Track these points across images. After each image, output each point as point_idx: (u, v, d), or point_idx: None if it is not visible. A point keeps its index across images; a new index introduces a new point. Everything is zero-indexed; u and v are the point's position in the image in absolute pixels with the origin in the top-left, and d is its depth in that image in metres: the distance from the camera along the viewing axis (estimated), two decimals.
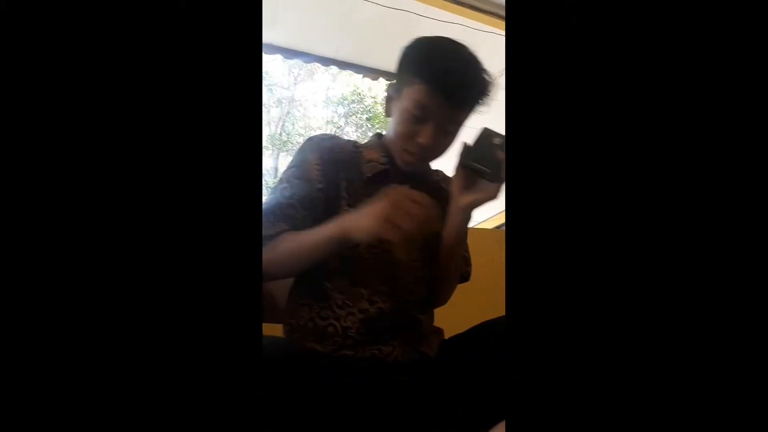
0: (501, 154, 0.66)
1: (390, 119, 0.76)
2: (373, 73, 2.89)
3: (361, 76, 2.99)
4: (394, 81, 0.76)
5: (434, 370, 0.70)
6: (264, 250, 0.65)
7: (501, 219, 4.83)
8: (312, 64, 3.14)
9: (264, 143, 8.70)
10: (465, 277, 0.85)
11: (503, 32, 2.41)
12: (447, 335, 0.78)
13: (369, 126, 8.13)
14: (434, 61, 0.69)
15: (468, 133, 0.74)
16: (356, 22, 2.41)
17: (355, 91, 8.28)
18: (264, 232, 0.67)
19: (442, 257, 0.76)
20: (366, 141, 0.82)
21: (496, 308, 0.61)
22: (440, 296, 0.82)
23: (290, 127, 8.72)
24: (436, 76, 0.67)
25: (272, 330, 0.80)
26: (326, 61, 2.89)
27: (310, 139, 0.77)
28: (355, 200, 0.71)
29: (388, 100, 0.76)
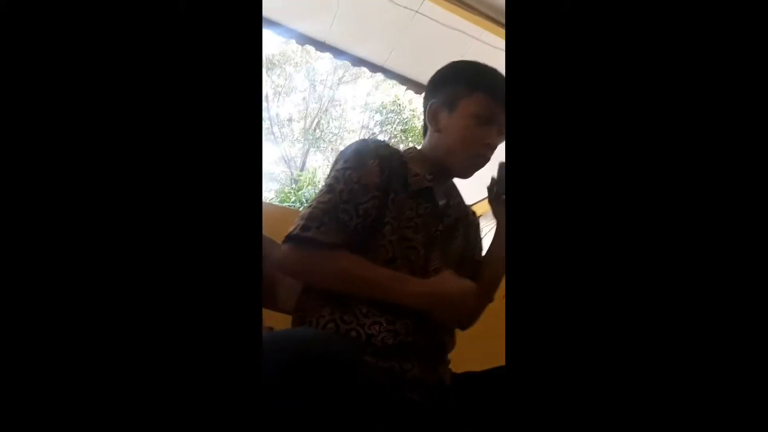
0: None
1: (435, 134, 0.80)
2: (418, 87, 2.91)
3: (404, 88, 3.01)
4: (436, 99, 0.80)
5: (447, 397, 0.69)
6: (313, 254, 0.66)
7: None
8: (359, 68, 3.17)
9: (296, 136, 8.84)
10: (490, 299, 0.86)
11: None
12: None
13: (402, 138, 8.18)
14: (487, 75, 0.79)
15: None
16: (411, 35, 2.44)
17: (395, 101, 8.35)
18: (319, 236, 0.66)
19: (490, 280, 0.80)
20: (406, 150, 0.83)
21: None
22: (474, 318, 0.82)
23: (325, 125, 8.84)
24: (492, 86, 0.77)
25: (269, 317, 0.79)
26: (374, 68, 2.93)
27: (365, 141, 0.77)
28: (399, 213, 0.72)
29: (434, 115, 0.80)
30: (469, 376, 0.74)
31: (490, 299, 0.83)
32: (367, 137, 8.38)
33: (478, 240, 0.85)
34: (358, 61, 2.87)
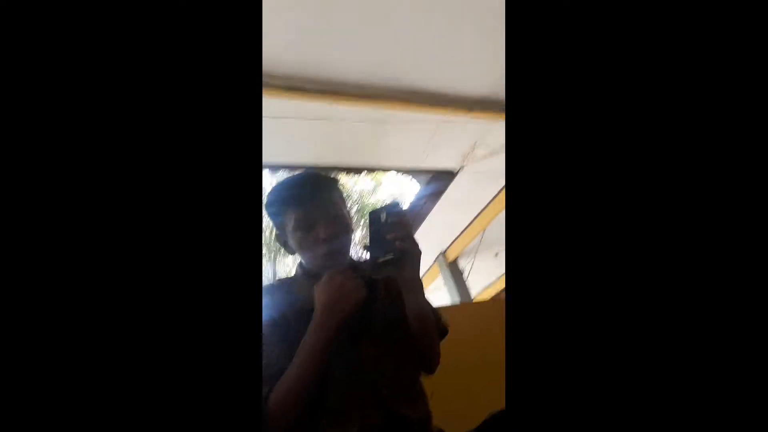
0: (392, 232, 0.74)
1: (297, 254, 0.87)
2: (355, 170, 3.14)
3: (344, 173, 3.23)
4: (275, 238, 0.89)
5: None
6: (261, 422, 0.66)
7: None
8: (298, 171, 3.39)
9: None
10: (444, 332, 0.89)
11: (466, 119, 2.69)
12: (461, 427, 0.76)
13: (359, 217, 8.33)
14: (282, 198, 0.85)
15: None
16: (333, 131, 2.69)
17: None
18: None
19: (417, 327, 0.80)
20: (293, 275, 0.90)
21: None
22: (430, 362, 0.85)
23: None
24: (290, 198, 0.84)
25: None
26: (309, 168, 3.14)
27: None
28: None
29: (286, 246, 0.88)
30: None
31: (433, 332, 0.83)
32: None
33: (400, 300, 0.83)
34: (292, 168, 3.08)
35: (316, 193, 0.84)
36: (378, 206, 0.81)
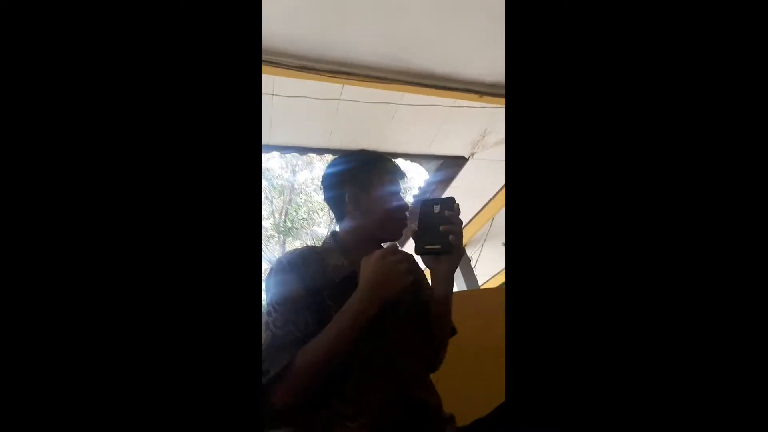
0: (445, 224, 0.75)
1: (357, 217, 0.86)
2: None
3: None
4: (351, 188, 0.87)
5: None
6: (281, 386, 0.66)
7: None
8: (307, 155, 3.40)
9: (270, 231, 9.01)
10: (453, 331, 0.91)
11: (477, 104, 2.66)
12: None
13: None
14: (376, 156, 0.91)
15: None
16: (342, 116, 2.68)
17: None
18: (273, 370, 0.66)
19: (436, 321, 0.82)
20: (322, 243, 0.88)
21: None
22: (438, 358, 0.86)
23: (294, 214, 9.05)
24: (382, 161, 0.90)
25: None
26: (320, 151, 3.15)
27: (280, 262, 0.81)
28: (340, 303, 0.72)
29: (354, 200, 0.86)
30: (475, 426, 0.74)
31: (447, 330, 0.85)
32: None
33: (422, 284, 0.86)
34: (304, 150, 3.09)
35: (383, 163, 0.89)
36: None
